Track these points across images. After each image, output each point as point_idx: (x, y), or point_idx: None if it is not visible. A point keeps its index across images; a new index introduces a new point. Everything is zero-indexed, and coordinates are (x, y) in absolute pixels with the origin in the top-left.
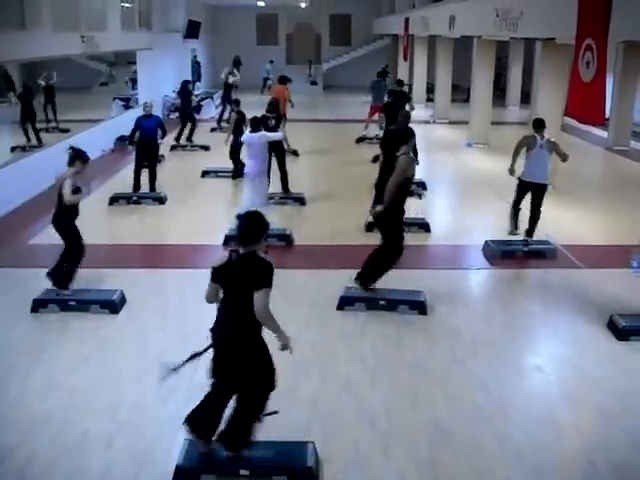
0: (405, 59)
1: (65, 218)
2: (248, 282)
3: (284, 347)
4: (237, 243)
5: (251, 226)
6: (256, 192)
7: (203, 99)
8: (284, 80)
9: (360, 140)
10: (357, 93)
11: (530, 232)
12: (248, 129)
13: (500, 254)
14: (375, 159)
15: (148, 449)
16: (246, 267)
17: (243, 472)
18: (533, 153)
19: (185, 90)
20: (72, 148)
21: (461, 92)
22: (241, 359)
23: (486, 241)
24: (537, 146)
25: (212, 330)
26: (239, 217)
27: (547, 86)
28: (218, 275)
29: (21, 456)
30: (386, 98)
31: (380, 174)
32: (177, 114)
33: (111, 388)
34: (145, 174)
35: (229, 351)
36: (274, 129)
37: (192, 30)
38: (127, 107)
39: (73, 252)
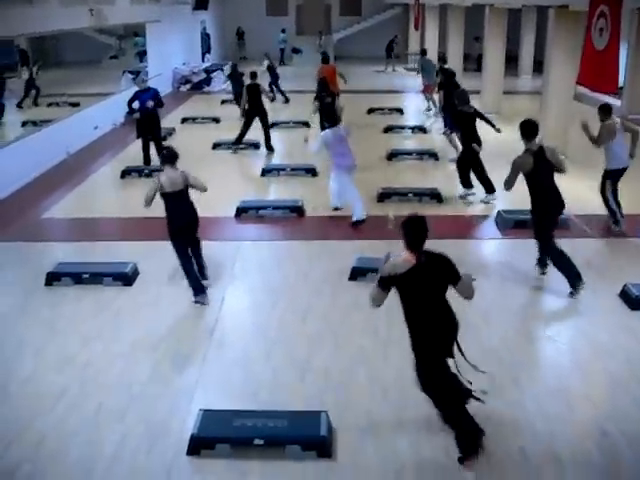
0: (416, 28)
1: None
2: (443, 278)
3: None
4: (412, 247)
5: (425, 230)
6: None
7: (213, 71)
8: (328, 59)
9: (372, 111)
10: (368, 63)
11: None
12: (325, 125)
13: (512, 224)
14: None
15: (162, 420)
16: (436, 265)
17: (257, 442)
18: (617, 139)
19: (235, 73)
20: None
21: (472, 61)
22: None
23: (498, 211)
24: (618, 132)
25: (432, 334)
26: (407, 223)
27: (560, 55)
28: (403, 280)
29: (36, 431)
30: (437, 77)
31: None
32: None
33: (125, 360)
34: (153, 147)
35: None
36: (331, 107)
37: (201, 1)
38: None
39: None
